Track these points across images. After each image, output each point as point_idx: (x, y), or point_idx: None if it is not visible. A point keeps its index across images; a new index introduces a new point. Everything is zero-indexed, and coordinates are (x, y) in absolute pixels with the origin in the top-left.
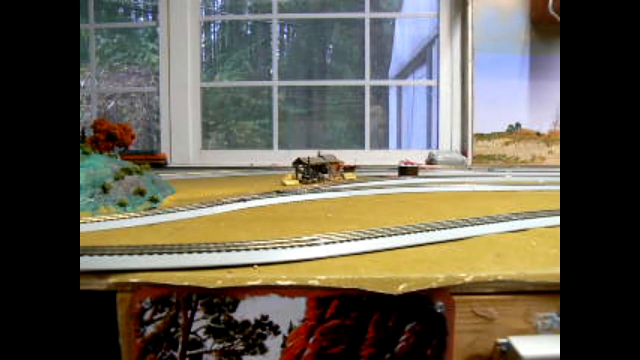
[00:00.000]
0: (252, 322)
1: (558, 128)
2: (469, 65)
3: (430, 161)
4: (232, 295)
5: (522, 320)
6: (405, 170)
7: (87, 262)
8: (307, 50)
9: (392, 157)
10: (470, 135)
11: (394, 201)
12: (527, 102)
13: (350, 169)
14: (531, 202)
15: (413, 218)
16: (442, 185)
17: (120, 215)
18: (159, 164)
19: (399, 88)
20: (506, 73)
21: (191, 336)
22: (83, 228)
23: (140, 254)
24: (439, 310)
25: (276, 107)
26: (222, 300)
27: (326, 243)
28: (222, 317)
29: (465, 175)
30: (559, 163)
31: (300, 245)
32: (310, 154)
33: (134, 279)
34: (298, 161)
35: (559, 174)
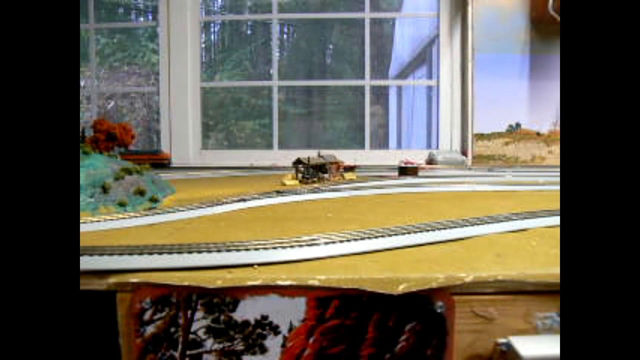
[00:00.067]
0: (252, 322)
1: (558, 128)
2: (469, 65)
3: (430, 161)
4: (232, 295)
5: (522, 320)
6: (405, 170)
7: (87, 262)
8: (307, 50)
9: (392, 157)
10: (470, 135)
11: (394, 201)
12: (527, 102)
13: (350, 169)
14: (531, 202)
15: (413, 218)
16: (442, 185)
17: (120, 215)
18: (163, 163)
19: (399, 88)
20: (506, 73)
21: (191, 336)
22: (83, 228)
23: (140, 254)
24: (439, 310)
25: (276, 107)
26: (222, 300)
27: (326, 243)
28: (222, 317)
29: (465, 175)
30: (559, 163)
31: (300, 245)
32: (310, 154)
33: (134, 279)
34: (298, 161)
35: (559, 174)
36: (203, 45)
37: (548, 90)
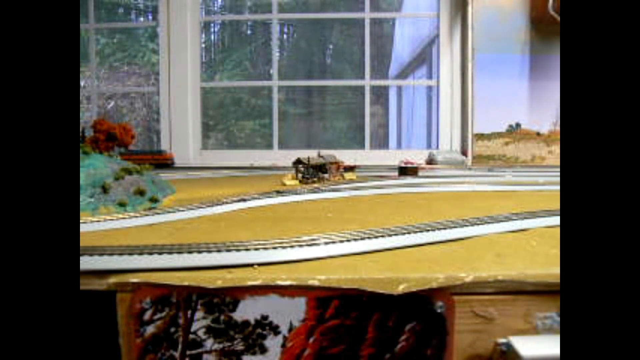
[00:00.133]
0: (252, 322)
1: (558, 128)
2: (469, 65)
3: (430, 161)
4: (232, 295)
5: (522, 320)
6: (405, 170)
7: (87, 262)
8: (307, 50)
9: (392, 157)
10: (470, 135)
11: (394, 201)
12: (527, 102)
13: (350, 169)
14: (531, 202)
15: (413, 218)
16: (442, 185)
17: (120, 215)
18: (166, 163)
19: (399, 88)
20: (506, 73)
21: (191, 336)
22: (83, 228)
23: (140, 254)
24: (439, 310)
25: (276, 107)
26: (222, 300)
27: (326, 243)
28: (222, 317)
29: (465, 175)
30: (559, 163)
31: (300, 245)
32: (310, 154)
33: (134, 279)
34: (298, 161)
35: (559, 174)
36: (203, 45)
37: (548, 90)
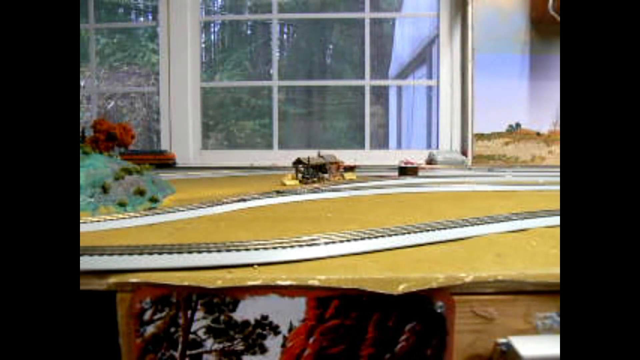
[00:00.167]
0: (252, 322)
1: (558, 128)
2: (469, 65)
3: (430, 161)
4: (232, 295)
5: (522, 320)
6: (405, 170)
7: (87, 262)
8: (307, 50)
9: (392, 157)
10: (470, 135)
11: (394, 201)
12: (527, 102)
13: (350, 169)
14: (531, 202)
15: (413, 218)
16: (442, 185)
17: (120, 215)
18: (168, 163)
19: (399, 88)
20: (506, 73)
21: (191, 336)
22: (83, 228)
23: (140, 254)
24: (439, 310)
25: (276, 107)
26: (222, 300)
27: (326, 243)
28: (222, 317)
29: (465, 175)
30: (559, 163)
31: (300, 245)
32: (310, 154)
33: (134, 279)
34: (298, 161)
35: (559, 174)
36: (203, 45)
37: (548, 90)
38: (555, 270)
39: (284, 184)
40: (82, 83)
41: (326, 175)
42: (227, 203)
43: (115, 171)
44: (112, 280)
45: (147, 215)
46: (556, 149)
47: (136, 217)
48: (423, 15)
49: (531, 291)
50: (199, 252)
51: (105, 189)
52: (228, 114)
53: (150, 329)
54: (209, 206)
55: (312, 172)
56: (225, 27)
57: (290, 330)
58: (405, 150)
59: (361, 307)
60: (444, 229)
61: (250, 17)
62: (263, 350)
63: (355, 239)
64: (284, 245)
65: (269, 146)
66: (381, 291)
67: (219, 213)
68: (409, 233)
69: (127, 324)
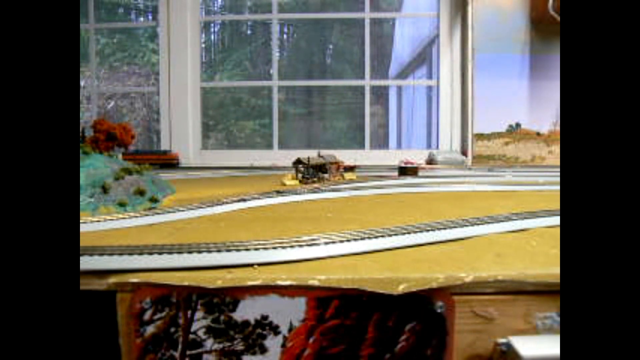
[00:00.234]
0: (252, 322)
1: (558, 128)
2: (469, 65)
3: (430, 161)
4: (232, 295)
5: (522, 320)
6: (405, 170)
7: (87, 262)
8: (307, 50)
9: (392, 157)
10: (470, 135)
11: (394, 201)
12: (527, 102)
13: (350, 169)
14: (531, 202)
15: (413, 218)
16: (442, 185)
17: (120, 215)
18: (172, 163)
19: (399, 88)
20: (506, 73)
21: (191, 336)
22: (83, 228)
23: (140, 254)
24: (439, 310)
25: (276, 107)
26: (222, 300)
27: (326, 243)
28: (222, 317)
29: (465, 175)
30: (559, 163)
31: (300, 245)
32: (310, 154)
33: (134, 279)
34: (298, 161)
35: (559, 174)
36: (203, 45)
37: (548, 90)
38: (555, 270)
39: (284, 184)
40: (82, 83)
41: (326, 175)
42: (227, 203)
43: (115, 171)
44: (112, 280)
45: (147, 215)
46: (556, 149)
47: (136, 217)
48: (423, 15)
49: (531, 291)
50: (199, 252)
51: (105, 189)
52: (228, 114)
53: (150, 329)
54: (209, 206)
55: (312, 172)
56: (225, 27)
57: (290, 330)
58: (405, 150)
59: (361, 307)
60: (444, 229)
61: (250, 17)
62: (263, 350)
63: (355, 239)
64: (284, 245)
65: (269, 146)
66: (381, 291)
67: (219, 213)
68: (409, 233)
69: (127, 324)
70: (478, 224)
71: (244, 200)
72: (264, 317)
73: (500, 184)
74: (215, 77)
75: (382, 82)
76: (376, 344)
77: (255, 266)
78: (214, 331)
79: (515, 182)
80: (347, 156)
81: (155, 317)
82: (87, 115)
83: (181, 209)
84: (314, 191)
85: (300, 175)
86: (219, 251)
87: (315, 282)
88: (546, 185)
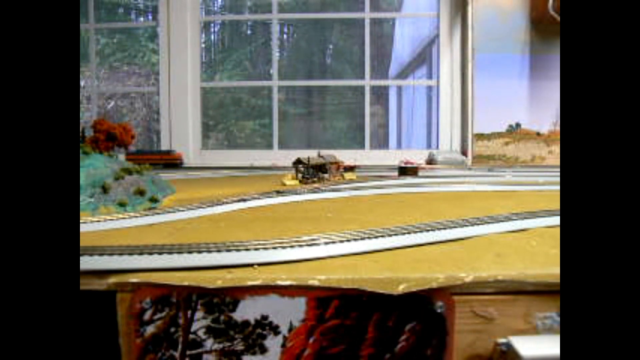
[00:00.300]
0: (252, 322)
1: (558, 128)
2: (469, 65)
3: (430, 161)
4: (232, 295)
5: (522, 320)
6: (405, 170)
7: (87, 262)
8: (307, 50)
9: (392, 157)
10: (470, 135)
11: (394, 201)
12: (527, 102)
13: (350, 169)
14: (531, 202)
15: (413, 218)
16: (442, 185)
17: (120, 215)
18: (175, 163)
19: (399, 88)
20: (506, 73)
21: (191, 336)
22: (83, 228)
23: (140, 254)
24: (439, 310)
25: (276, 107)
26: (222, 300)
27: (326, 243)
28: (222, 317)
29: (465, 175)
30: (559, 163)
31: (300, 245)
32: (310, 154)
33: (134, 279)
34: (298, 161)
35: (559, 174)
36: (203, 45)
37: (548, 90)
38: (555, 270)
39: (284, 184)
40: (82, 83)
41: (326, 175)
42: (227, 203)
43: (115, 171)
44: (112, 280)
45: (147, 215)
46: (556, 149)
47: (136, 217)
48: (423, 15)
49: (531, 291)
50: (199, 252)
51: (105, 189)
52: (228, 114)
53: (150, 329)
54: (209, 206)
55: (312, 172)
56: (225, 27)
57: (290, 330)
58: (405, 150)
59: (361, 307)
60: (444, 229)
61: (250, 17)
62: (263, 350)
63: (355, 239)
64: (284, 245)
65: (269, 146)
66: (381, 291)
67: (219, 213)
68: (409, 233)
69: (127, 324)
70: (478, 224)
71: (244, 200)
72: (264, 317)
73: (500, 184)
74: (215, 77)
75: (382, 82)
76: (376, 344)
77: (255, 266)
78: (214, 331)
79: (515, 182)
80: (347, 156)
81: (155, 317)
82: (87, 115)
83: (181, 209)
84: (314, 191)
85: (300, 175)
86: (219, 251)
87: (315, 282)
88: (546, 185)
